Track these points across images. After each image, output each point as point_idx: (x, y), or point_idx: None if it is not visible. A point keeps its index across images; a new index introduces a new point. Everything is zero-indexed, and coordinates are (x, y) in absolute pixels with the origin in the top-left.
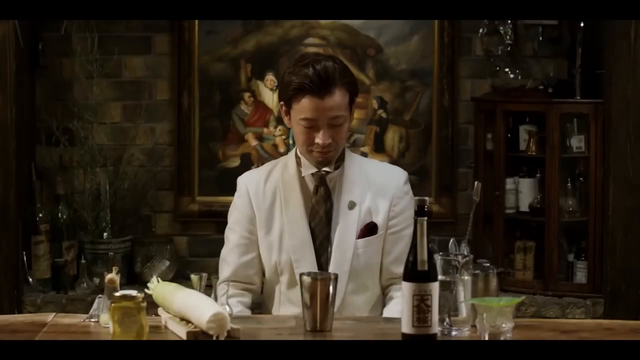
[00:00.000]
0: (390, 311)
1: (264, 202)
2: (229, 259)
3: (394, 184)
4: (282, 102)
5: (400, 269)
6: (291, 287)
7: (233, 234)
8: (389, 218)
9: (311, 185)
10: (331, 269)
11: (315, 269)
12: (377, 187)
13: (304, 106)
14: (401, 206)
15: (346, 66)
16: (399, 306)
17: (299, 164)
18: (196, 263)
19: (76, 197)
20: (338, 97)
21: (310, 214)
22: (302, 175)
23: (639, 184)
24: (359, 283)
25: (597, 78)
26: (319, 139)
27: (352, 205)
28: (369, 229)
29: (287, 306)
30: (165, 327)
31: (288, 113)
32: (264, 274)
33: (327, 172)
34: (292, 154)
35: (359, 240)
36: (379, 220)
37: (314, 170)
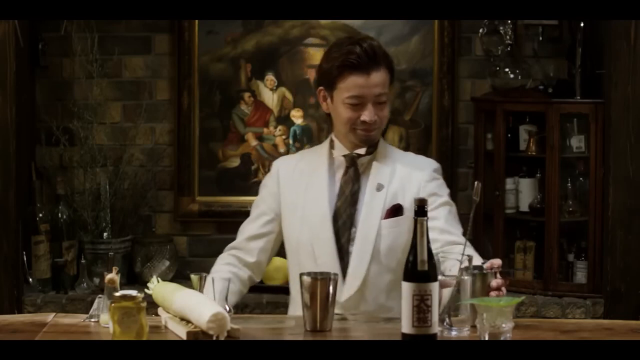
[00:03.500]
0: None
1: (292, 182)
2: (244, 230)
3: (424, 170)
4: (321, 87)
5: (445, 236)
6: (311, 266)
7: (255, 209)
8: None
9: (341, 167)
10: (354, 248)
11: (333, 248)
12: (406, 172)
13: (352, 83)
14: (430, 189)
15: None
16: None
17: (332, 147)
18: (196, 263)
19: (76, 197)
20: (383, 75)
21: (338, 194)
22: (333, 156)
23: (639, 184)
24: (383, 265)
25: (597, 78)
26: (365, 116)
27: (379, 187)
28: (395, 210)
29: None
30: (165, 327)
31: (329, 96)
32: (268, 261)
33: (359, 155)
34: (326, 140)
35: (384, 221)
36: (405, 202)
37: (347, 152)
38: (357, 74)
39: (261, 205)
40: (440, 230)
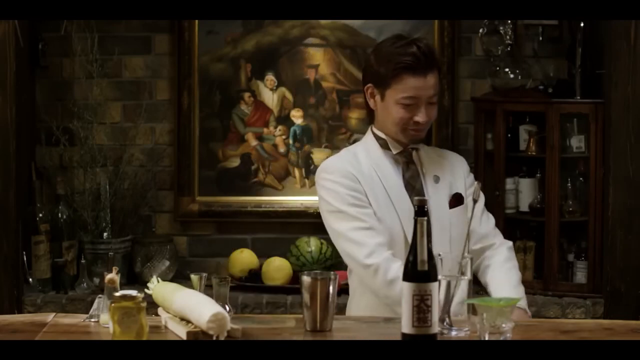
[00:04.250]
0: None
1: (363, 178)
2: (376, 226)
3: (461, 160)
4: (370, 84)
5: (481, 229)
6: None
7: (357, 209)
8: (466, 189)
9: (399, 163)
10: (434, 239)
11: None
12: (449, 163)
13: (409, 85)
14: (471, 178)
15: None
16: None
17: (382, 145)
18: (196, 263)
19: (76, 197)
20: (436, 76)
21: (407, 189)
22: (394, 153)
23: (639, 184)
24: (457, 253)
25: (597, 78)
26: (419, 117)
27: (437, 179)
28: (457, 200)
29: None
30: (165, 327)
31: (378, 94)
32: None
33: (414, 149)
34: (367, 138)
35: (451, 210)
36: (460, 191)
37: (400, 148)
38: (414, 75)
39: (359, 203)
40: (480, 230)
